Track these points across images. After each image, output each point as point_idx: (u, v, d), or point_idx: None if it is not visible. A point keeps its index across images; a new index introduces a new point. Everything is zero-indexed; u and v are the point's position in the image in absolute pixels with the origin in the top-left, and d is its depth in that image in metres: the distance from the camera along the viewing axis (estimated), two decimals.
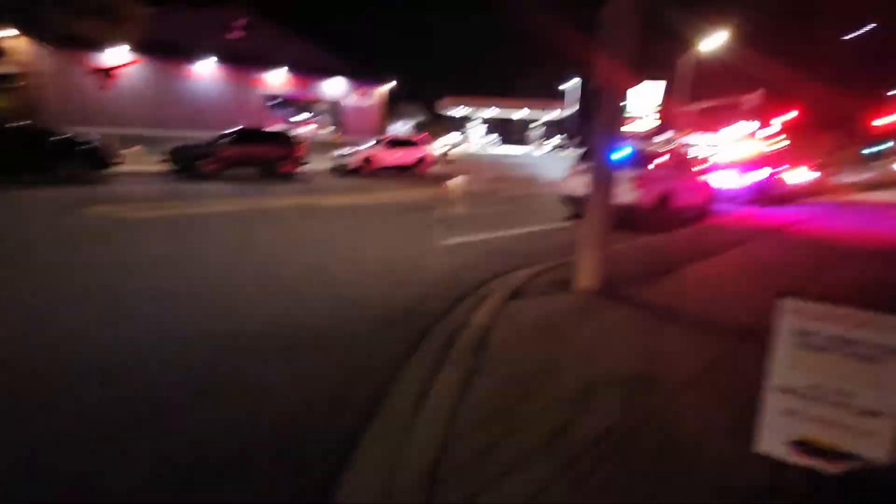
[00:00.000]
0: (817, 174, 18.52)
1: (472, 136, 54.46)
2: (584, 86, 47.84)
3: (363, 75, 29.58)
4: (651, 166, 9.07)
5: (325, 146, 22.14)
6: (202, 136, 15.59)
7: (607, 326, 4.10)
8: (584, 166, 9.33)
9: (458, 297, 4.93)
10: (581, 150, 11.49)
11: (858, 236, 9.39)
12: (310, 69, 26.96)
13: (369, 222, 8.99)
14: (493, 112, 56.77)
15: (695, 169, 10.69)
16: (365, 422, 2.74)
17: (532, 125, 54.46)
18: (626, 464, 2.38)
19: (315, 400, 3.03)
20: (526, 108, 53.99)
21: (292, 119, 28.62)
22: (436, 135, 45.04)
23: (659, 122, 37.49)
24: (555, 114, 52.44)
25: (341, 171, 16.96)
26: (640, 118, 38.64)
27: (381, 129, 29.56)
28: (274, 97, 26.97)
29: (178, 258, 6.02)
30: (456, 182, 11.53)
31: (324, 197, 11.60)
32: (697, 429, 2.67)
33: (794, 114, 32.48)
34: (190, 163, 13.66)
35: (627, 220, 8.83)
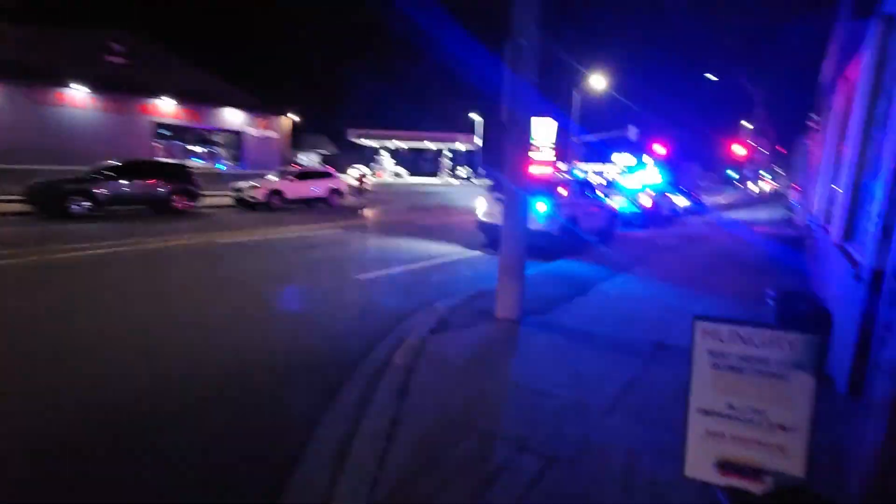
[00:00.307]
0: (691, 199, 21.04)
1: (383, 166, 54.60)
2: (487, 118, 50.56)
3: (265, 105, 28.47)
4: (558, 194, 9.59)
5: (226, 178, 20.71)
6: (75, 169, 13.72)
7: (531, 356, 4.09)
8: (497, 195, 9.63)
9: (378, 336, 4.67)
10: (491, 180, 11.89)
11: (732, 250, 10.66)
12: (205, 98, 25.30)
13: (278, 258, 8.39)
14: (403, 143, 57.62)
15: (596, 195, 11.52)
16: (275, 498, 2.37)
17: (443, 156, 56.04)
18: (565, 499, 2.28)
19: (225, 469, 2.60)
20: (435, 140, 55.56)
21: (187, 150, 26.52)
22: (346, 166, 44.48)
23: (554, 154, 40.59)
24: (465, 144, 54.58)
25: (246, 204, 15.87)
26: (540, 149, 41.46)
27: (286, 161, 28.46)
28: (165, 127, 24.86)
29: (40, 315, 5.06)
30: (370, 213, 11.28)
31: (226, 233, 10.69)
32: (627, 453, 2.67)
33: (662, 148, 36.84)
34: (56, 201, 11.82)
35: (539, 245, 9.20)
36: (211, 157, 27.53)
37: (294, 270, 7.52)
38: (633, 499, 2.34)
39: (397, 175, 55.30)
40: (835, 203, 5.60)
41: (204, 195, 15.48)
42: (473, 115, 53.50)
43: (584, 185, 11.27)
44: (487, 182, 13.52)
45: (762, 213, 23.77)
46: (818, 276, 6.07)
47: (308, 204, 17.49)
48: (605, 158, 55.49)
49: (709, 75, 31.62)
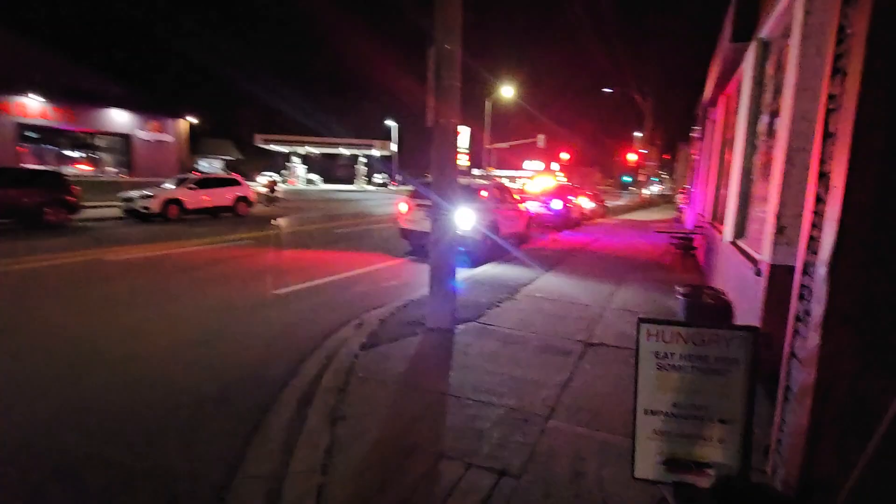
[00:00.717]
0: (595, 202, 22.66)
1: (295, 173, 52.23)
2: (403, 124, 50.63)
3: (158, 106, 25.84)
4: (479, 199, 9.73)
5: (112, 187, 18.40)
6: None
7: (467, 365, 4.01)
8: (419, 201, 9.53)
9: (303, 356, 4.32)
10: (412, 186, 11.80)
11: (636, 248, 11.57)
12: (82, 96, 22.28)
13: (181, 276, 7.54)
14: (316, 149, 55.63)
15: (513, 200, 11.89)
16: None
17: (358, 162, 54.92)
18: None
19: None
20: (350, 145, 54.36)
21: (63, 156, 23.20)
22: (254, 173, 41.84)
23: (469, 160, 41.72)
24: (381, 150, 53.98)
25: (138, 216, 14.18)
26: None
27: (185, 168, 26.01)
28: (31, 129, 21.53)
29: None
30: (284, 222, 10.62)
31: (116, 249, 9.41)
32: (574, 459, 2.66)
33: (566, 155, 39.51)
34: None
35: (464, 251, 9.25)
36: (93, 163, 24.38)
37: (201, 288, 6.79)
38: None
39: (310, 182, 53.25)
40: (725, 205, 6.24)
41: (85, 206, 13.60)
42: (389, 122, 53.21)
43: (503, 191, 11.59)
44: (407, 188, 13.39)
45: (656, 214, 26.29)
46: (713, 270, 6.73)
47: (212, 214, 16.12)
48: (517, 165, 58.18)
49: (606, 89, 34.48)
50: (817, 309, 2.00)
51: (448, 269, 4.82)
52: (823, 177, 2.03)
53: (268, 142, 50.82)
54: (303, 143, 53.18)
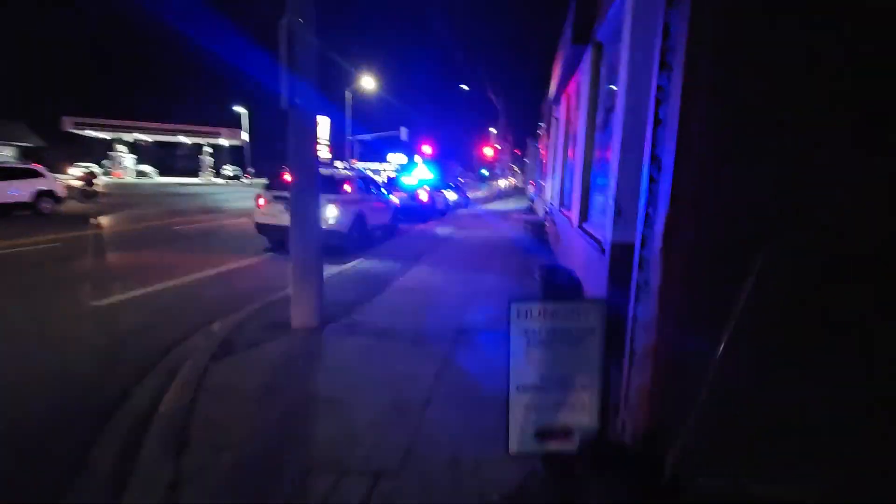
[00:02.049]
0: (459, 193, 23.63)
1: (122, 164, 44.58)
2: (255, 111, 46.59)
3: None
4: (343, 190, 9.33)
5: None
6: None
7: (338, 364, 3.77)
8: (276, 193, 8.77)
9: (136, 377, 3.62)
10: (267, 178, 10.85)
11: (496, 235, 12.30)
12: None
13: None
14: (148, 136, 48.17)
15: (380, 191, 11.69)
16: None
17: (203, 152, 48.97)
18: None
19: None
20: (193, 134, 48.20)
21: None
22: (66, 163, 34.60)
23: (329, 151, 40.28)
24: (230, 140, 48.88)
25: None
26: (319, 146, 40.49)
27: None
28: None
29: None
30: (107, 220, 8.93)
31: None
32: (451, 446, 2.64)
33: (429, 148, 40.59)
34: None
35: (330, 245, 8.79)
36: None
37: None
38: (464, 492, 2.31)
39: (143, 174, 46.11)
40: (570, 193, 6.92)
41: None
42: (239, 108, 48.44)
43: (369, 182, 11.32)
44: (262, 181, 12.31)
45: (511, 204, 28.46)
46: (563, 252, 7.44)
47: (3, 212, 12.87)
48: (381, 157, 57.86)
49: (463, 86, 36.13)
50: (654, 278, 2.24)
51: (312, 264, 4.47)
52: (655, 159, 2.27)
53: (81, 126, 42.49)
54: (130, 130, 45.62)
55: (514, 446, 2.20)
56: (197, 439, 2.72)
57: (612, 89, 4.44)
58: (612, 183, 3.76)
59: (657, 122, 2.27)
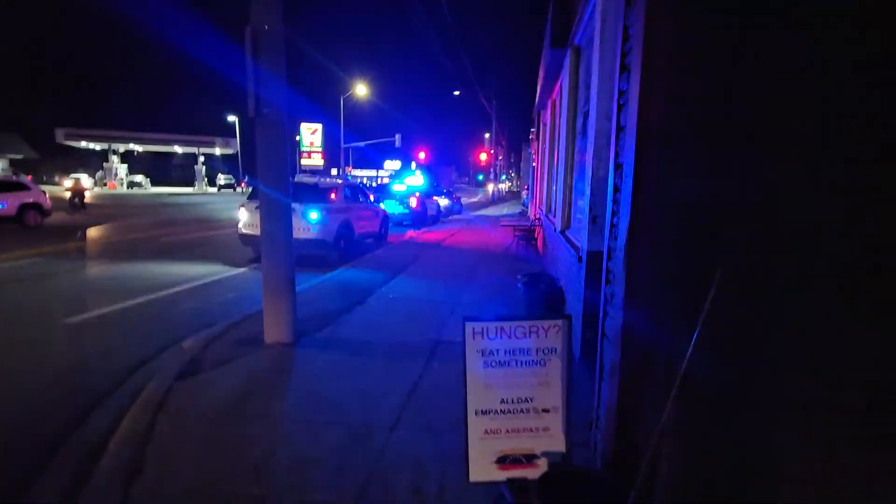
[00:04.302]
0: (451, 199, 23.55)
1: (115, 175, 44.36)
2: (243, 119, 46.62)
3: None
4: (329, 199, 9.21)
5: None
6: None
7: (309, 382, 3.63)
8: (257, 203, 8.64)
9: (97, 399, 3.48)
10: (252, 187, 10.74)
11: (486, 241, 12.19)
12: None
13: None
14: (142, 146, 48.06)
15: (368, 199, 11.58)
16: None
17: (199, 162, 48.79)
18: None
19: None
20: (187, 143, 48.09)
21: None
22: (62, 174, 34.44)
23: (322, 159, 40.20)
24: (224, 149, 48.74)
25: None
26: (310, 156, 40.40)
27: None
28: None
29: None
30: (96, 232, 8.78)
31: None
32: (415, 470, 2.51)
33: (423, 154, 40.62)
34: None
35: (314, 255, 8.66)
36: None
37: None
38: None
39: (136, 185, 45.89)
40: (554, 199, 6.82)
41: None
42: (233, 118, 48.40)
43: (356, 189, 11.21)
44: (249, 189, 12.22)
45: (505, 209, 28.40)
46: (550, 259, 7.33)
47: None
48: (376, 164, 57.80)
49: (455, 92, 36.21)
50: (619, 291, 2.12)
51: (285, 277, 4.34)
52: (618, 167, 2.16)
53: (75, 137, 42.31)
54: (125, 140, 45.48)
55: (474, 474, 2.08)
56: (151, 465, 2.58)
57: (588, 95, 4.35)
58: (587, 190, 3.66)
59: (619, 128, 2.16)
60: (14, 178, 14.97)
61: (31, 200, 13.81)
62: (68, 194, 18.84)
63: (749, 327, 1.63)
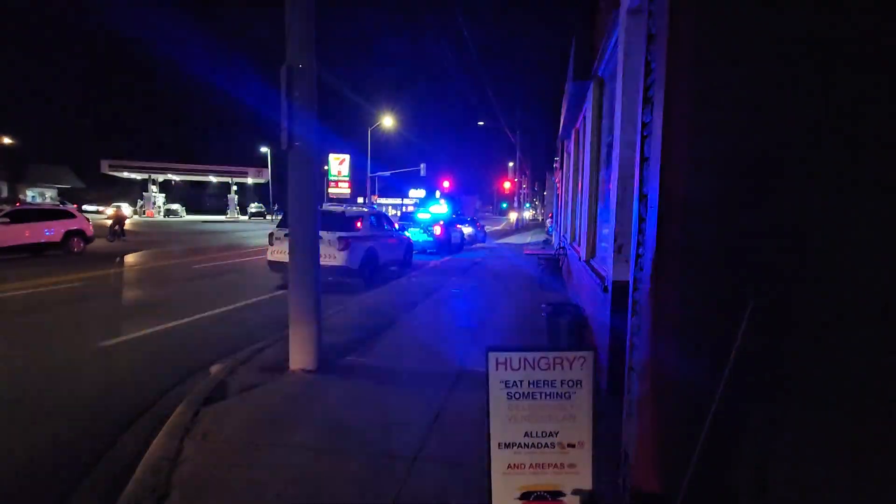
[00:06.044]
0: (475, 227, 23.65)
1: (153, 203, 46.47)
2: (275, 150, 48.43)
3: None
4: (355, 227, 9.40)
5: None
6: None
7: (331, 411, 3.63)
8: (286, 230, 8.89)
9: (127, 422, 3.56)
10: (280, 216, 11.06)
11: (510, 270, 12.13)
12: None
13: None
14: (179, 176, 50.42)
15: (392, 227, 11.77)
16: None
17: (232, 191, 50.76)
18: None
19: None
20: (221, 173, 50.24)
21: None
22: (104, 203, 36.31)
23: (349, 188, 41.25)
24: (256, 178, 50.67)
25: None
26: (338, 185, 41.54)
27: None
28: None
29: None
30: (133, 258, 9.15)
31: None
32: (436, 497, 2.46)
33: (447, 183, 41.22)
34: None
35: (340, 282, 8.79)
36: None
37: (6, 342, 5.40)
38: None
39: (172, 213, 47.87)
40: (579, 228, 6.78)
41: None
42: (265, 149, 50.43)
43: (381, 218, 11.41)
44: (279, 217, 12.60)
45: (529, 238, 28.27)
46: (574, 288, 7.23)
47: (34, 252, 13.40)
48: (402, 193, 58.87)
49: (480, 123, 36.93)
50: (645, 322, 2.08)
51: (311, 304, 4.41)
52: (643, 198, 2.16)
53: (118, 168, 44.73)
54: (164, 171, 47.83)
55: None
56: (176, 489, 2.61)
57: (612, 125, 4.38)
58: (612, 219, 3.64)
59: (643, 158, 2.17)
60: (61, 206, 15.85)
61: (75, 227, 14.54)
62: (109, 222, 19.79)
63: (783, 363, 1.57)
